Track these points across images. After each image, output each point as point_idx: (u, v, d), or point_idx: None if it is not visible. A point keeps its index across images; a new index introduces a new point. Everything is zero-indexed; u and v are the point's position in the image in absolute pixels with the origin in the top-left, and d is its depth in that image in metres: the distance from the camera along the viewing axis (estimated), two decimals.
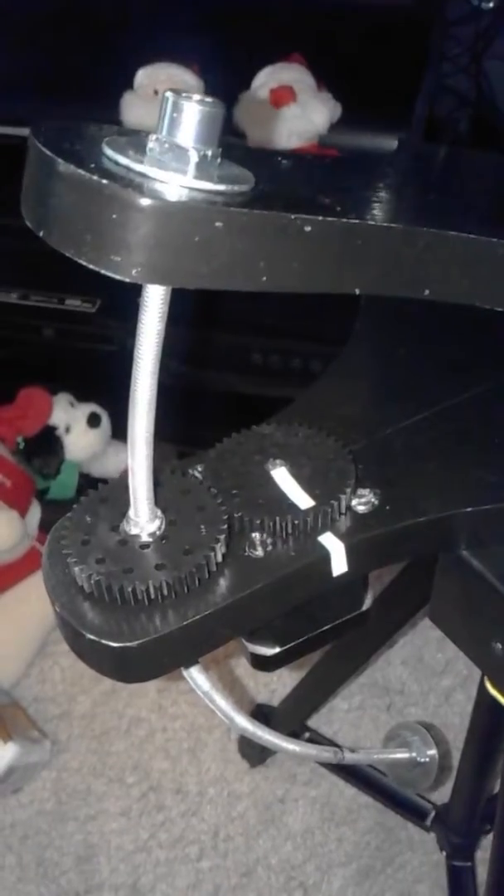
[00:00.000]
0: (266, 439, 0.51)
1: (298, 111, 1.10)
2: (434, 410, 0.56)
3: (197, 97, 0.33)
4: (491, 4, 1.60)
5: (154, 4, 1.33)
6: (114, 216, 0.31)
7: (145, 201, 0.31)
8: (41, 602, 1.17)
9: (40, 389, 1.22)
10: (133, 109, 1.09)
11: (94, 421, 1.24)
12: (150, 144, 0.34)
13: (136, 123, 1.09)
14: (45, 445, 1.17)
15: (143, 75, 1.07)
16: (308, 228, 0.34)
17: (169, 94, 0.33)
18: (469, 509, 0.50)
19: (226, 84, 1.18)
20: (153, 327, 0.36)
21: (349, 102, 1.23)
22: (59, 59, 1.24)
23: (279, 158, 0.41)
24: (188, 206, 0.31)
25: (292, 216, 0.33)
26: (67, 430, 1.21)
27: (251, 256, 0.33)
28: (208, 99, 0.33)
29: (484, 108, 1.71)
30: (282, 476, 0.49)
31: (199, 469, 0.49)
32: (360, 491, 0.49)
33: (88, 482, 1.24)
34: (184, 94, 0.33)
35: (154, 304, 0.35)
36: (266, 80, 1.17)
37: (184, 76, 1.08)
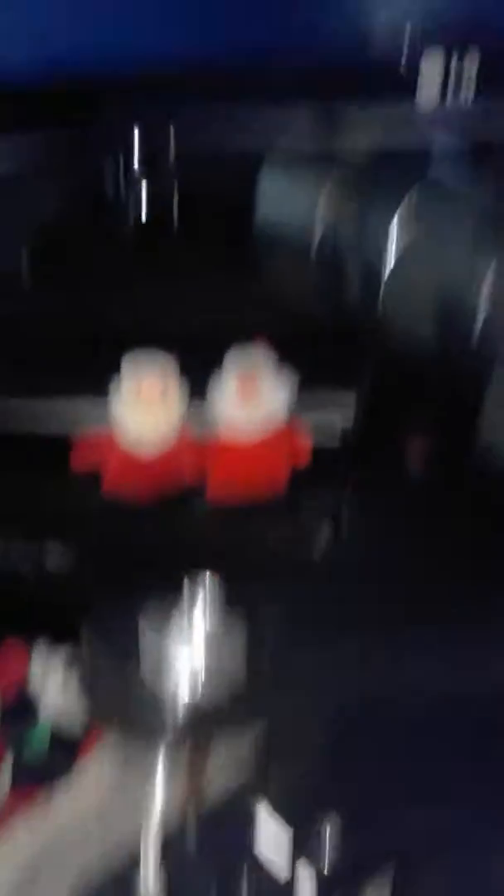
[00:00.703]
0: None
1: (262, 399, 1.24)
2: None
3: None
4: None
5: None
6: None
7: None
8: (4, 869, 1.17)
9: (17, 651, 1.27)
10: (121, 409, 1.24)
11: (69, 673, 1.29)
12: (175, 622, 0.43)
13: (125, 424, 1.24)
14: (21, 711, 1.22)
15: (126, 381, 1.22)
16: None
17: None
18: None
19: (202, 364, 1.32)
20: None
21: (303, 375, 1.37)
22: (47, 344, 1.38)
23: None
24: None
25: None
26: (43, 689, 1.26)
27: None
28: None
29: None
30: None
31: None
32: None
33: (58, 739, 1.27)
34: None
35: None
36: (234, 362, 1.31)
37: (165, 378, 1.23)
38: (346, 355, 1.47)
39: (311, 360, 1.39)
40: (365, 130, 1.19)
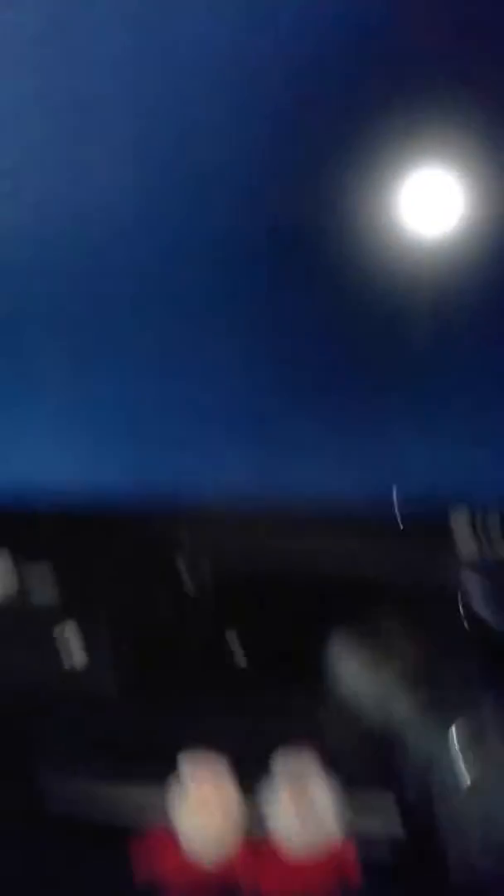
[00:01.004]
0: None
1: (312, 807, 1.33)
2: None
3: None
4: None
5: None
6: None
7: None
8: None
9: None
10: (180, 814, 1.33)
11: None
12: None
13: (184, 828, 1.33)
14: None
15: (184, 786, 1.35)
16: None
17: None
18: None
19: (254, 767, 1.42)
20: None
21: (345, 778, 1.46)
22: None
23: None
24: None
25: None
26: None
27: None
28: None
29: None
30: None
31: None
32: None
33: None
34: None
35: None
36: (282, 768, 1.42)
37: (219, 783, 1.35)
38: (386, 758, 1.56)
39: (352, 763, 1.49)
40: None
